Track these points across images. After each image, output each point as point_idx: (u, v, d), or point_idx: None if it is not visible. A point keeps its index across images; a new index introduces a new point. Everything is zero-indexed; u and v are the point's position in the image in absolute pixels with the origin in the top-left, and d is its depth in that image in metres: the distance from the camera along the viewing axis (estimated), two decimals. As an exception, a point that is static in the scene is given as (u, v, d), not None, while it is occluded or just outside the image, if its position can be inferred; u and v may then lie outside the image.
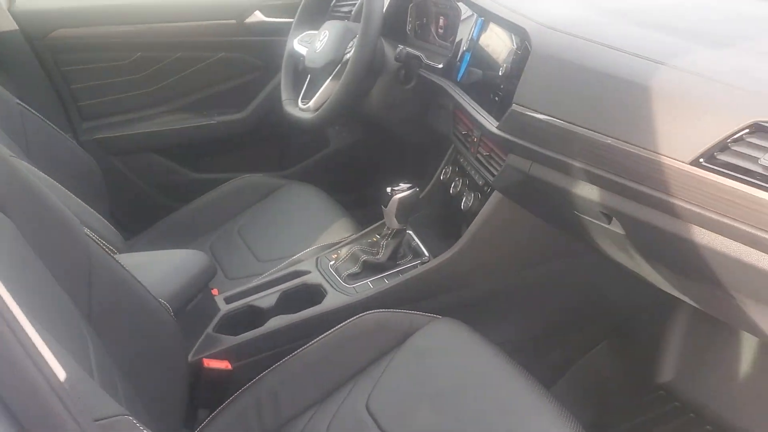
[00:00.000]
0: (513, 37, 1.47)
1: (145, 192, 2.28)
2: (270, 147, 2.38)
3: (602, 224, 1.30)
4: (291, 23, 2.09)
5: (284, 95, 1.97)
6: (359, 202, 2.14)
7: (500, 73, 1.47)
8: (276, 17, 2.27)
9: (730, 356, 1.67)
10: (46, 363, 0.55)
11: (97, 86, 2.15)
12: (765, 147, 0.95)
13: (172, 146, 2.27)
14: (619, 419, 1.65)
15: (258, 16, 2.26)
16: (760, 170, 0.95)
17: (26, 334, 0.55)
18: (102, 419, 0.63)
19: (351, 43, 1.80)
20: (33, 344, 0.55)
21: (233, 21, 2.24)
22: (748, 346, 1.64)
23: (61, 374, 0.56)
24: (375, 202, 1.86)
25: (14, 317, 0.54)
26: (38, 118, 1.71)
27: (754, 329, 1.22)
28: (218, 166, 2.32)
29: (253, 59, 2.30)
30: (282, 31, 2.18)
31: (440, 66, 1.77)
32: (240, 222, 2.02)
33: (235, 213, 2.06)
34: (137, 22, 2.15)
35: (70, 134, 2.09)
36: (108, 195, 1.91)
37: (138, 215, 2.14)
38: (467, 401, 1.24)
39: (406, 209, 1.62)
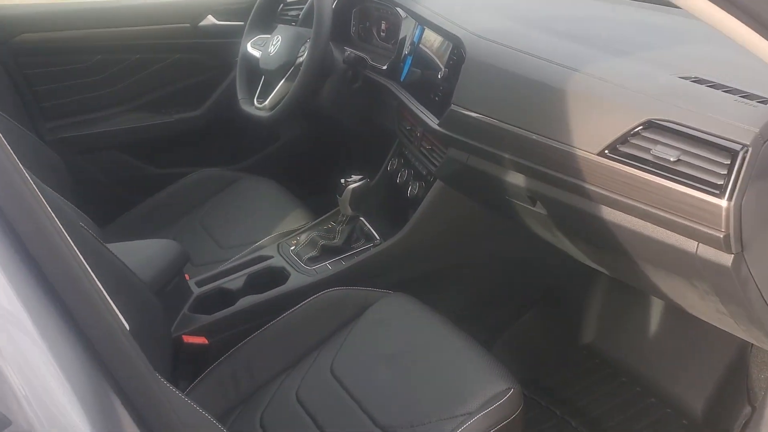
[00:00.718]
0: (449, 43, 1.67)
1: (107, 187, 2.37)
2: (224, 142, 2.51)
3: (528, 206, 1.51)
4: (242, 26, 2.23)
5: (240, 95, 2.12)
6: (310, 192, 2.28)
7: (440, 76, 1.66)
8: (227, 21, 2.40)
9: (641, 319, 1.90)
10: (117, 314, 0.71)
11: (59, 88, 2.24)
12: (656, 140, 1.17)
13: (132, 143, 2.37)
14: (549, 375, 1.86)
15: (211, 20, 2.38)
16: (651, 159, 1.17)
17: (101, 288, 0.70)
18: None
19: (303, 47, 1.96)
20: (106, 297, 0.71)
21: (188, 24, 2.36)
22: (656, 310, 1.88)
23: (126, 325, 0.72)
24: (325, 192, 2.02)
25: (93, 276, 0.70)
26: (3, 117, 1.77)
27: (655, 290, 1.46)
28: (177, 161, 2.42)
29: (207, 60, 2.43)
30: (234, 34, 2.32)
31: (384, 67, 1.95)
32: (200, 213, 2.15)
33: (196, 205, 2.18)
34: (97, 26, 2.25)
35: (33, 134, 2.18)
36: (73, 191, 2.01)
37: (102, 210, 2.24)
38: (418, 361, 1.43)
39: (358, 198, 1.80)
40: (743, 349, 1.58)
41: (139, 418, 0.70)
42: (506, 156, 1.46)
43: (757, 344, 1.35)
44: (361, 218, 1.91)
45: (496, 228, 1.84)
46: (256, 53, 2.09)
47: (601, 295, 2.00)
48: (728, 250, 1.12)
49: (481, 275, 1.93)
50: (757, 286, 1.17)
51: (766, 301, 1.19)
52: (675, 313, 1.83)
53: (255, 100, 2.09)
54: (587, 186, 1.29)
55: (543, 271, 1.97)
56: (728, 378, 1.67)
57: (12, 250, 0.63)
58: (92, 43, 2.26)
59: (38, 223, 0.64)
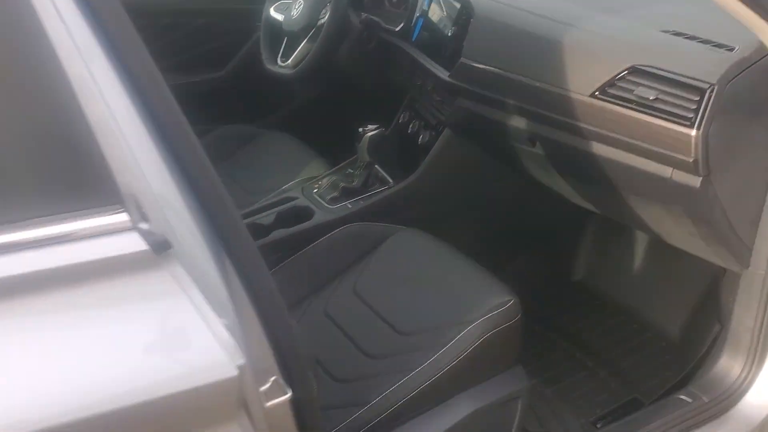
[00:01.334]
0: (458, 4, 1.86)
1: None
2: (246, 100, 2.68)
3: (528, 148, 1.72)
4: (263, -8, 2.42)
5: (264, 54, 2.31)
6: (326, 145, 2.46)
7: (449, 34, 1.86)
8: None
9: (626, 256, 2.11)
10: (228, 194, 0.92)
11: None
12: (638, 82, 1.38)
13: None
14: (543, 307, 2.05)
15: None
16: (634, 98, 1.38)
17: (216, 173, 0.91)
18: None
19: (323, 10, 2.15)
20: (221, 185, 0.91)
21: None
22: (639, 248, 2.09)
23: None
24: (341, 145, 2.21)
25: (213, 169, 0.90)
26: None
27: (637, 220, 1.67)
28: (202, 118, 2.59)
29: (230, 24, 2.61)
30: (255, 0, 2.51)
31: (397, 29, 2.14)
32: (227, 165, 2.33)
33: (221, 158, 2.36)
34: (129, -6, 2.44)
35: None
36: None
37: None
38: (430, 281, 1.62)
39: (375, 144, 2.00)
40: (716, 278, 1.77)
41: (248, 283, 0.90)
42: (510, 102, 1.66)
43: (724, 265, 1.56)
44: (376, 166, 2.10)
45: (498, 174, 2.04)
46: (279, 16, 2.28)
47: (591, 237, 2.20)
48: (697, 173, 1.33)
49: (483, 216, 2.12)
50: (722, 206, 1.38)
51: (729, 221, 1.41)
52: (656, 249, 2.04)
53: (278, 59, 2.27)
54: (580, 124, 1.49)
55: (538, 214, 2.16)
56: (701, 304, 1.88)
57: (168, 153, 0.86)
58: (125, 9, 2.44)
59: (186, 134, 0.87)
